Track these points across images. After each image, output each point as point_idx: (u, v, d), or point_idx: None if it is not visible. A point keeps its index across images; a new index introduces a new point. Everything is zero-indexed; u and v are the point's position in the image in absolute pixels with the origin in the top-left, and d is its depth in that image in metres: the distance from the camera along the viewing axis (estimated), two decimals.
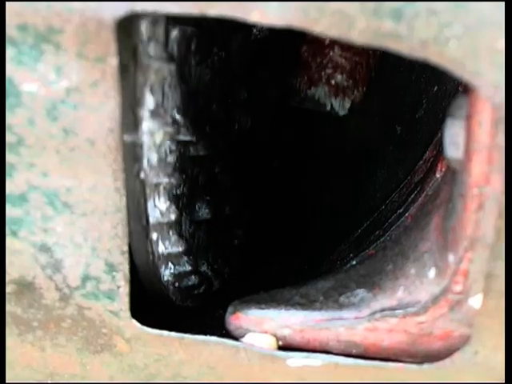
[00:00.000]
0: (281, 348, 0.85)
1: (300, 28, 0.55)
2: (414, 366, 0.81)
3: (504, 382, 0.75)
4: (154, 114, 0.76)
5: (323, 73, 1.21)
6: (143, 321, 0.84)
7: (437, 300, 0.77)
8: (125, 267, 0.77)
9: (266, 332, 0.85)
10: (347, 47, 1.21)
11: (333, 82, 1.21)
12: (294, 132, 1.26)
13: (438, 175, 0.86)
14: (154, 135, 0.77)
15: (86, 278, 0.79)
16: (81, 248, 0.76)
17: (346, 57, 1.21)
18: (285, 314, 0.85)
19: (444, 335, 0.79)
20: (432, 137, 0.96)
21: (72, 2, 0.59)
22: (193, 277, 0.94)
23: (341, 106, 1.24)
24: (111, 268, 0.77)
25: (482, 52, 0.54)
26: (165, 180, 0.82)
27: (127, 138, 0.72)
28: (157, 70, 0.76)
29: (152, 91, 0.75)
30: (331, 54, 1.21)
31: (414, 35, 0.54)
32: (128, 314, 0.82)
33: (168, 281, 0.90)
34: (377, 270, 0.86)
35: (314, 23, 0.55)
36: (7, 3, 0.59)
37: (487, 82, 0.56)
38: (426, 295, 0.78)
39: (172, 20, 0.77)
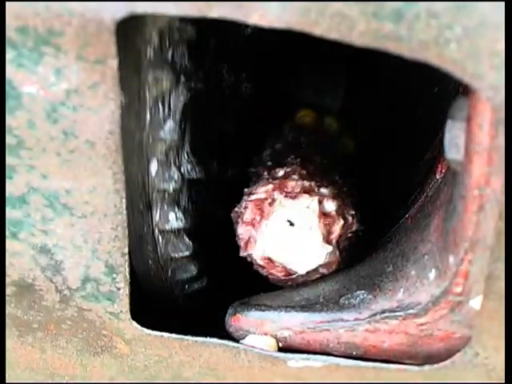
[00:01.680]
0: (281, 349, 0.85)
1: (300, 30, 0.55)
2: (414, 368, 0.81)
3: (504, 382, 0.75)
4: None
5: None
6: (143, 322, 0.84)
7: (437, 301, 0.77)
8: (125, 269, 0.78)
9: (266, 334, 0.85)
10: None
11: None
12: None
13: (438, 176, 0.85)
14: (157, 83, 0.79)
15: (86, 280, 0.79)
16: (81, 250, 0.77)
17: None
18: (285, 315, 0.85)
19: (444, 337, 0.79)
20: (432, 138, 0.96)
21: (72, 2, 0.59)
22: (193, 266, 0.94)
23: None
24: (111, 270, 0.78)
25: (482, 54, 0.54)
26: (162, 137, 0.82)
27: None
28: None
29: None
30: None
31: (414, 37, 0.54)
32: (128, 315, 0.82)
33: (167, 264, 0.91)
34: (377, 271, 0.86)
35: (313, 25, 0.55)
36: (7, 5, 0.59)
37: (487, 83, 0.56)
38: (426, 297, 0.78)
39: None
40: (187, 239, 0.91)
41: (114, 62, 0.62)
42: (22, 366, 0.90)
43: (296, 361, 0.83)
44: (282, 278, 0.90)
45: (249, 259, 0.90)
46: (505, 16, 0.51)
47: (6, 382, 0.89)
